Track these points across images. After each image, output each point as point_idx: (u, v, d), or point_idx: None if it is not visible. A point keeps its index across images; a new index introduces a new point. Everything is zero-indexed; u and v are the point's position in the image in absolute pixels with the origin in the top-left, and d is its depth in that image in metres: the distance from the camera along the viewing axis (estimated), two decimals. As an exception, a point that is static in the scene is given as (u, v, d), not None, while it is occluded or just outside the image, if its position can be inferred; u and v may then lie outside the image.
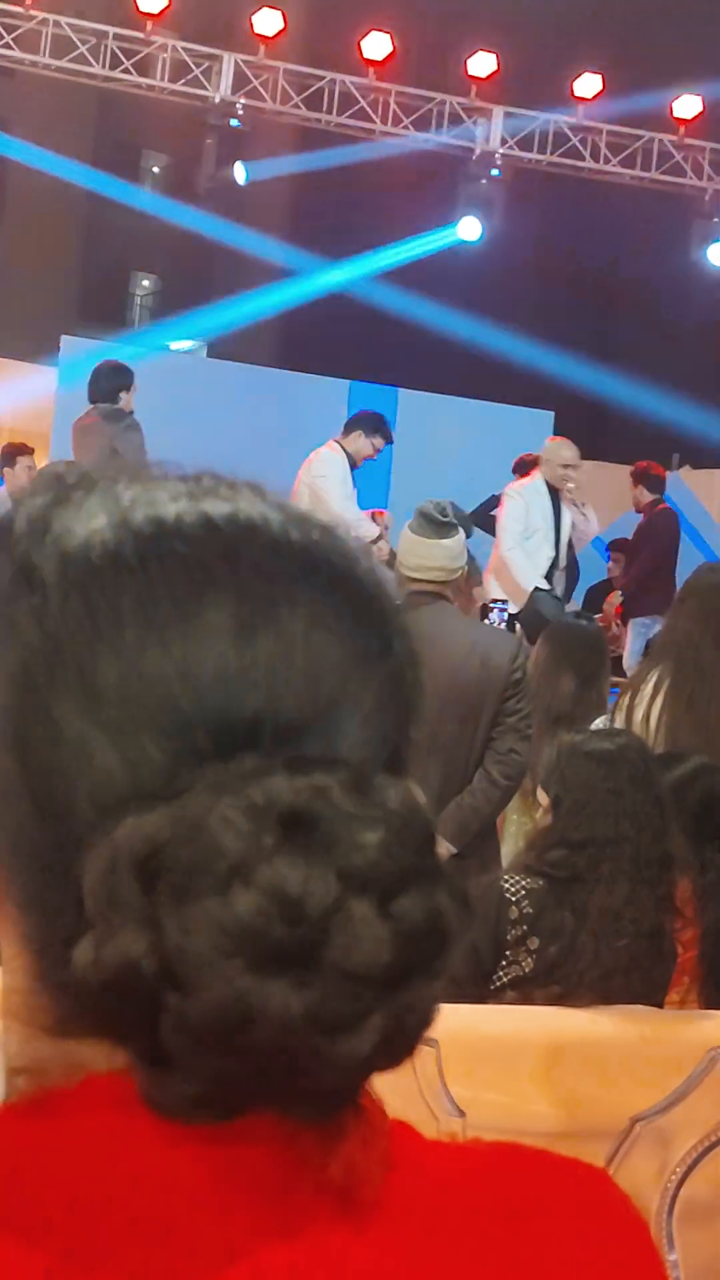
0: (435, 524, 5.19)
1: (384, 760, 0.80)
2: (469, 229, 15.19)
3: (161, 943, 0.73)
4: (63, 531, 0.82)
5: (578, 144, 15.28)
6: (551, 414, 15.02)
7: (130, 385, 9.82)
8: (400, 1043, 0.77)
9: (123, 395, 9.76)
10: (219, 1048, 0.73)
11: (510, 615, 8.55)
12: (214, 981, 0.72)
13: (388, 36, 15.02)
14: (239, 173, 15.26)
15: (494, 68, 15.01)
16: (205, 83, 15.27)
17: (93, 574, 0.80)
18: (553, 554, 9.66)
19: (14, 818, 0.80)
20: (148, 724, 0.78)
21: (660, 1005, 3.27)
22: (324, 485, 9.38)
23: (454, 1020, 3.03)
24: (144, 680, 0.78)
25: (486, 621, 8.09)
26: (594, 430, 14.66)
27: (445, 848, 4.57)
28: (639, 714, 4.86)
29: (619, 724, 4.88)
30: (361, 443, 9.63)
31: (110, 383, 9.83)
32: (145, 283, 17.09)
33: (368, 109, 15.41)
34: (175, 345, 16.66)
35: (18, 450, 10.69)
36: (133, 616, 0.79)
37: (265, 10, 14.90)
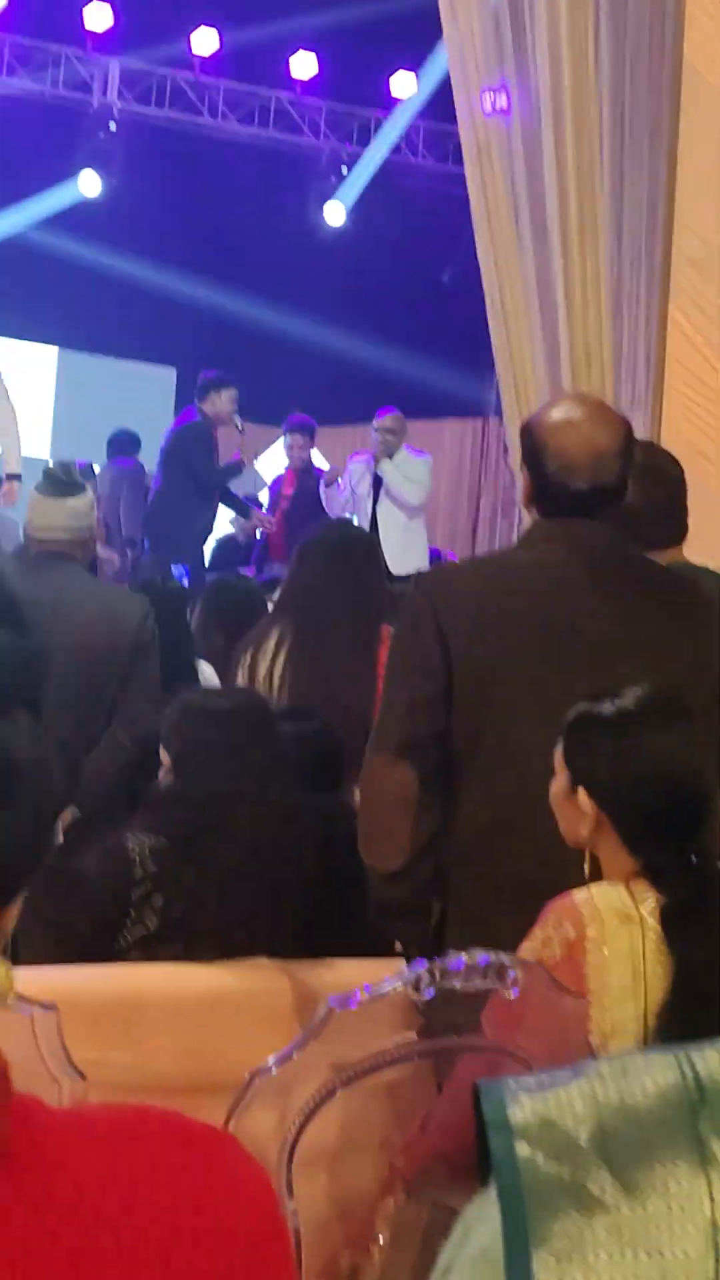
0: (60, 484, 5.18)
1: None
2: (89, 184, 14.99)
3: None
4: None
5: (195, 100, 15.21)
6: (174, 370, 15.01)
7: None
8: None
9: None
10: None
11: None
12: None
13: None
14: None
15: (110, 21, 14.82)
16: None
17: None
18: None
19: None
20: None
21: (283, 958, 3.32)
22: None
23: (77, 981, 3.03)
24: None
25: None
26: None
27: (71, 813, 4.54)
28: (261, 670, 4.92)
29: (241, 681, 4.94)
30: None
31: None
32: None
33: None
34: None
35: None
36: None
37: None
